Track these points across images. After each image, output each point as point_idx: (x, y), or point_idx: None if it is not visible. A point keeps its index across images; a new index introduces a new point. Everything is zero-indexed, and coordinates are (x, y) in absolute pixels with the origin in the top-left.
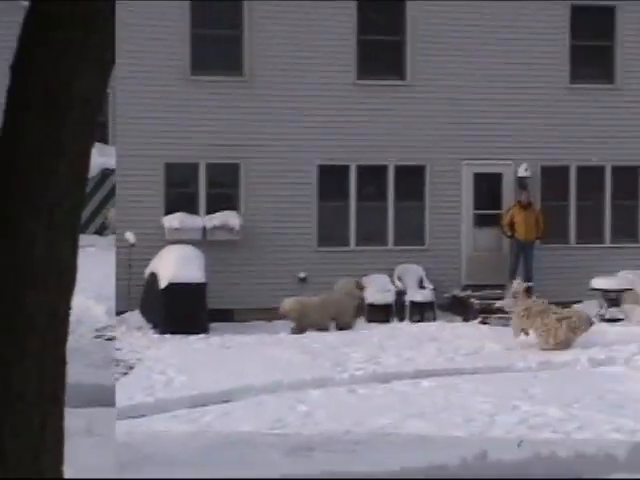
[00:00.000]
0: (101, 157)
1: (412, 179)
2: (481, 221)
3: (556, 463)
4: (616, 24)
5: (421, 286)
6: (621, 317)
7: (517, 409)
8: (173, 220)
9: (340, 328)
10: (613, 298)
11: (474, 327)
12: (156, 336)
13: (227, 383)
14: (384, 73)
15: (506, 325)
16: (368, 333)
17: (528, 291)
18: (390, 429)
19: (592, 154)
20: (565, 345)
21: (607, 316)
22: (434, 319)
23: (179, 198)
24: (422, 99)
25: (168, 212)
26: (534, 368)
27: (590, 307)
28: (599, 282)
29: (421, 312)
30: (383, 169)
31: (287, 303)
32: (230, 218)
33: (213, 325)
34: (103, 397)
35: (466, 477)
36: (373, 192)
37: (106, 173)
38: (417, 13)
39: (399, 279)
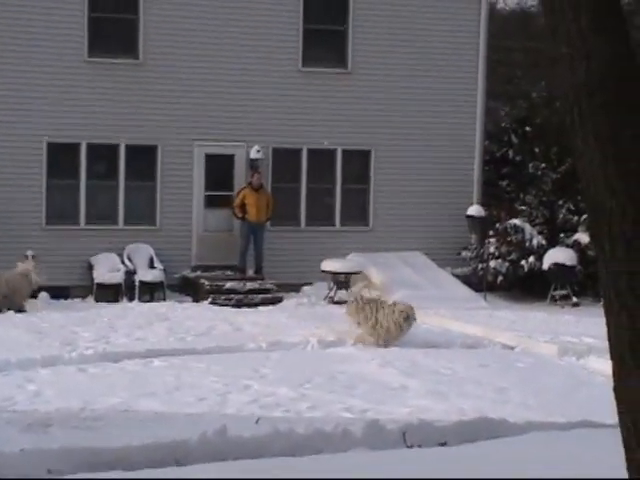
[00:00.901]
0: None
1: (144, 158)
2: (212, 202)
3: (295, 439)
4: (349, 8)
5: (151, 266)
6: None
7: (249, 388)
8: None
9: (15, 309)
10: (342, 280)
11: (204, 307)
12: None
13: None
14: (117, 52)
15: (237, 306)
16: (98, 312)
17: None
18: (122, 408)
19: (323, 137)
20: (392, 341)
21: (336, 298)
22: (164, 299)
23: None
24: (156, 79)
25: None
26: (265, 348)
27: (320, 289)
28: (329, 264)
29: (151, 292)
30: (114, 148)
31: None
32: None
33: None
34: None
35: (207, 452)
36: (104, 171)
37: None
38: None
39: (129, 259)
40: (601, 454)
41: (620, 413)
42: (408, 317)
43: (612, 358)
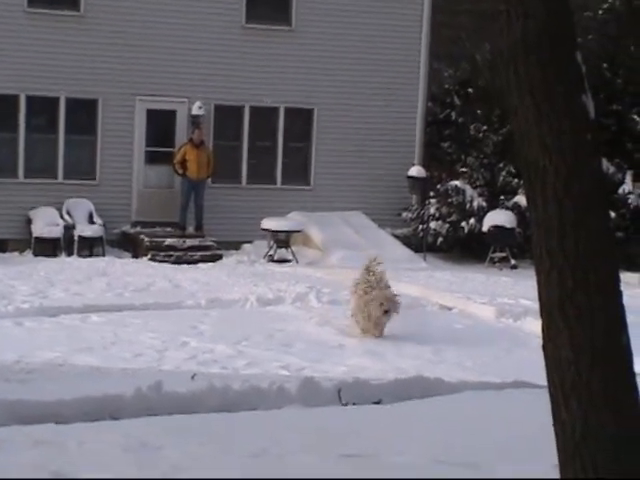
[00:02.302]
0: None
1: (84, 112)
2: (153, 158)
3: (230, 396)
4: None
5: (91, 221)
6: (289, 258)
7: (186, 345)
8: None
9: None
10: (282, 239)
11: (144, 263)
12: None
13: None
14: (57, 3)
15: (177, 263)
16: (35, 267)
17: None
18: (58, 362)
19: (266, 95)
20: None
21: (276, 257)
22: (103, 254)
23: None
24: (97, 32)
25: None
26: (203, 305)
27: (260, 247)
28: (269, 223)
29: (90, 247)
30: (54, 101)
31: None
32: None
33: None
34: None
35: (142, 407)
36: (44, 124)
37: None
38: None
39: (68, 213)
40: (532, 413)
41: (548, 371)
42: (388, 311)
43: (542, 316)
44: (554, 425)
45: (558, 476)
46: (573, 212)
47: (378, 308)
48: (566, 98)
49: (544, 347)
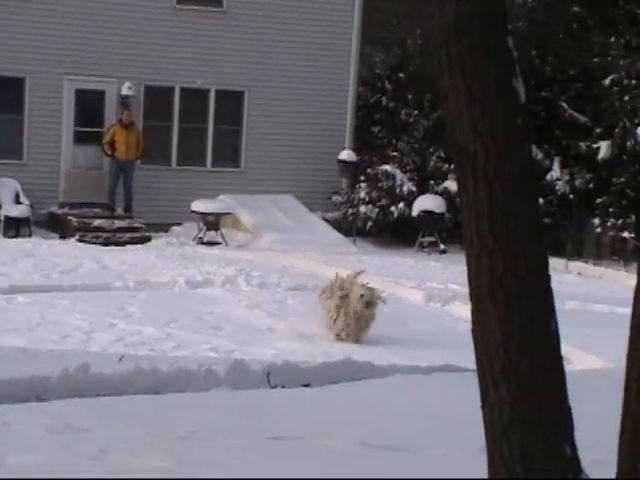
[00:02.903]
0: None
1: (11, 91)
2: (82, 138)
3: (158, 378)
4: None
5: (17, 201)
6: (219, 241)
7: (114, 327)
8: None
9: None
10: (212, 221)
11: (71, 245)
12: None
13: None
14: None
15: (105, 244)
16: None
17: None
18: None
19: (197, 76)
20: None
21: (206, 239)
22: (30, 235)
23: None
24: (26, 9)
25: None
26: (132, 287)
27: (189, 230)
28: (199, 205)
29: (17, 227)
30: None
31: None
32: None
33: None
34: None
35: (69, 388)
36: None
37: None
38: None
39: None
40: (460, 397)
41: (477, 355)
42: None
43: (471, 300)
44: (482, 409)
45: (485, 460)
46: (503, 196)
47: (359, 301)
48: (497, 82)
49: (473, 331)
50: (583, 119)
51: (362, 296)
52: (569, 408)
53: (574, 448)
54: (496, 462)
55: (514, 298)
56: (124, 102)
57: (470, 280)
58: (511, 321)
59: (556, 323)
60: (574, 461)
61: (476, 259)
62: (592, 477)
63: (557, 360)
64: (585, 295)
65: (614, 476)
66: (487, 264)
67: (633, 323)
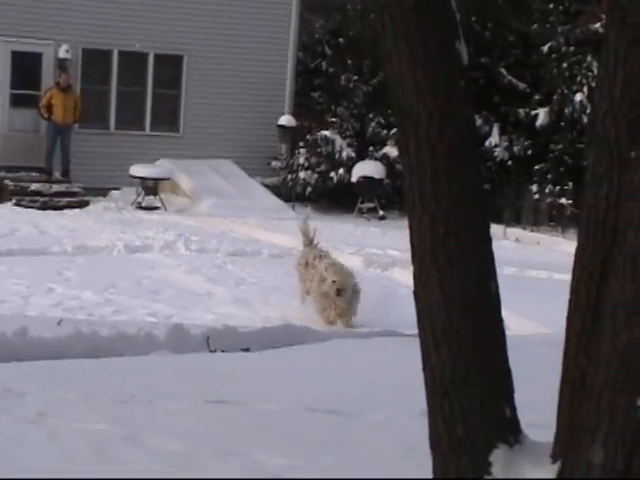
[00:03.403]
0: None
1: None
2: (18, 101)
3: (98, 342)
4: None
5: None
6: (158, 205)
7: (52, 292)
8: None
9: None
10: (151, 186)
11: (8, 209)
12: None
13: None
14: None
15: (43, 209)
16: None
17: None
18: None
19: (135, 40)
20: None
21: (144, 204)
22: None
23: None
24: None
25: None
26: (70, 252)
27: (128, 194)
28: (137, 170)
29: None
30: None
31: None
32: None
33: None
34: None
35: (6, 352)
36: None
37: None
38: None
39: None
40: (399, 361)
41: (419, 317)
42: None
43: (413, 262)
44: (424, 370)
45: (425, 422)
46: (446, 158)
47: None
48: (440, 44)
49: (415, 293)
50: (522, 86)
51: (334, 282)
52: (509, 370)
53: (514, 409)
54: (437, 423)
55: (455, 260)
56: (61, 65)
57: (412, 242)
58: (452, 283)
59: (497, 285)
60: (514, 422)
61: (418, 221)
62: (530, 439)
63: (498, 322)
64: (523, 261)
65: (551, 439)
66: (429, 226)
67: (572, 287)
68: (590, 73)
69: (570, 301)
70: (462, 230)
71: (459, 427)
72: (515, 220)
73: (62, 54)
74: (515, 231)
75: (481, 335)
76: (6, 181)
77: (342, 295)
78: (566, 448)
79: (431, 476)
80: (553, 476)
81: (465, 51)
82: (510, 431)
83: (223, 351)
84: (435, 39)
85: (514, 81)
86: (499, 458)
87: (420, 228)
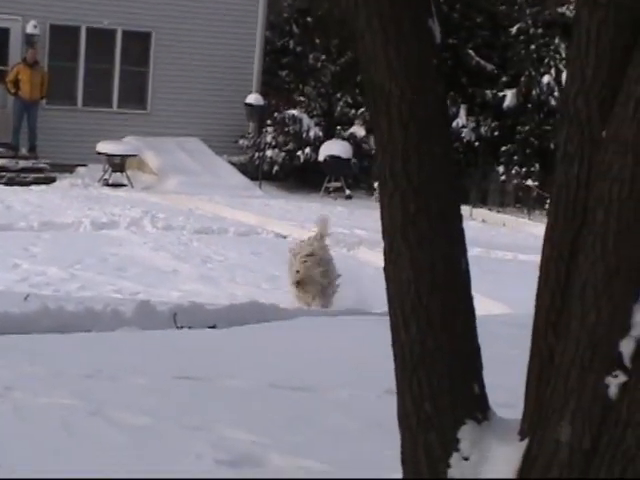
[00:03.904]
0: None
1: None
2: None
3: (64, 317)
4: None
5: None
6: (125, 182)
7: (18, 267)
8: None
9: None
10: (118, 163)
11: None
12: None
13: None
14: None
15: (9, 184)
16: None
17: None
18: None
19: (104, 16)
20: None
21: (111, 181)
22: None
23: None
24: None
25: None
26: (36, 228)
27: (94, 171)
28: (104, 146)
29: None
30: None
31: None
32: None
33: None
34: None
35: None
36: None
37: None
38: None
39: None
40: (365, 340)
41: (389, 294)
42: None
43: (384, 239)
44: (393, 347)
45: (390, 400)
46: (417, 136)
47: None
48: (413, 22)
49: (385, 269)
50: (489, 67)
51: (297, 272)
52: (478, 348)
53: (482, 387)
54: (405, 400)
55: (426, 238)
56: (29, 41)
57: (383, 219)
58: (423, 261)
59: (467, 263)
60: (482, 399)
61: (389, 198)
62: (498, 416)
63: (468, 300)
64: (488, 242)
65: (518, 417)
66: (399, 204)
67: (542, 264)
68: (558, 55)
69: (540, 278)
70: (433, 208)
71: (427, 404)
72: (481, 201)
73: (30, 30)
74: (481, 212)
75: (450, 312)
76: None
77: (302, 286)
78: (534, 425)
79: (397, 453)
80: (520, 453)
81: (438, 30)
82: (478, 408)
83: (190, 328)
84: (408, 17)
85: (482, 62)
86: (467, 435)
87: (391, 205)
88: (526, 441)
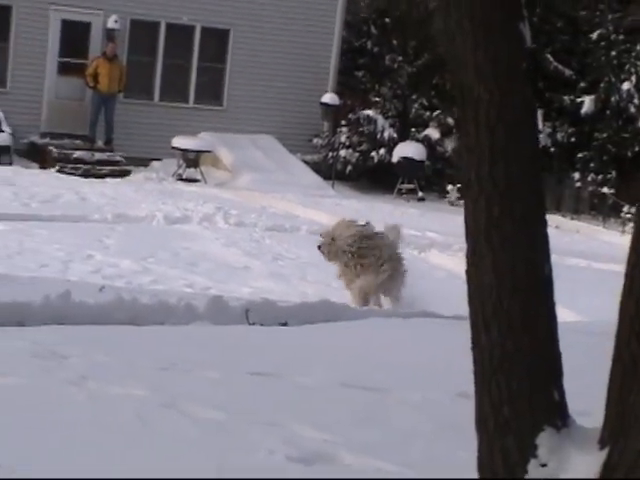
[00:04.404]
0: None
1: None
2: (66, 69)
3: (138, 309)
4: None
5: None
6: (198, 178)
7: (91, 258)
8: None
9: None
10: (192, 158)
11: (51, 175)
12: None
13: None
14: None
15: (85, 176)
16: None
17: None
18: None
19: (183, 13)
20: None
21: (185, 176)
22: (10, 163)
23: None
24: None
25: None
26: (110, 220)
27: (168, 166)
28: (179, 142)
29: None
30: None
31: None
32: None
33: None
34: None
35: (50, 315)
36: None
37: None
38: None
39: None
40: (437, 342)
41: (470, 296)
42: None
43: (467, 241)
44: (473, 350)
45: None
46: (504, 140)
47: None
48: (503, 25)
49: (467, 272)
50: (568, 72)
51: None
52: (559, 354)
53: (562, 393)
54: (484, 404)
55: (509, 241)
56: (109, 35)
57: (466, 222)
58: (505, 263)
59: (550, 268)
60: (562, 406)
61: (474, 201)
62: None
63: (549, 304)
64: (562, 249)
65: (597, 426)
66: (484, 206)
67: (627, 272)
68: (639, 62)
69: (624, 286)
70: (517, 212)
71: (506, 408)
72: (555, 207)
73: (110, 24)
74: (555, 218)
75: (531, 317)
76: (50, 147)
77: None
78: (615, 434)
79: (470, 455)
80: (600, 462)
81: (529, 33)
82: (558, 415)
83: (262, 324)
84: (499, 19)
85: (560, 67)
86: (545, 441)
87: (475, 208)
88: (606, 450)
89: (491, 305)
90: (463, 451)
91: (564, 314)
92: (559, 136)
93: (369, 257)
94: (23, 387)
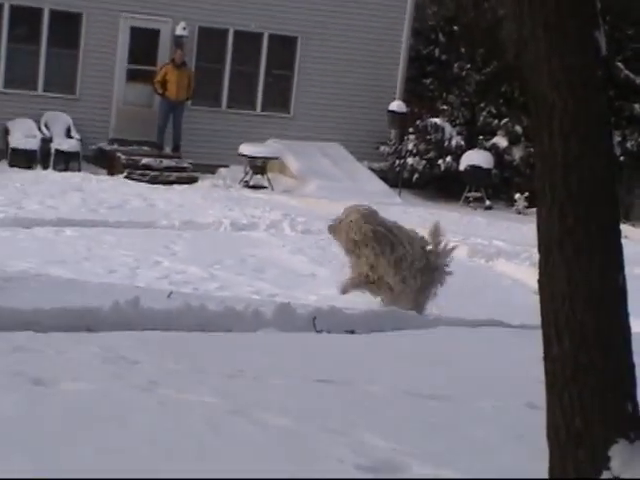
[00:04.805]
0: None
1: (67, 25)
2: (134, 76)
3: (206, 315)
4: None
5: (68, 135)
6: (265, 185)
7: (159, 265)
8: None
9: None
10: (259, 165)
11: (119, 181)
12: None
13: None
14: None
15: (152, 183)
16: (10, 177)
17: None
18: (32, 273)
19: (251, 20)
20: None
21: (252, 183)
22: (79, 170)
23: None
24: None
25: None
26: (177, 226)
27: (236, 172)
28: (247, 148)
29: (66, 161)
30: (38, 12)
31: None
32: None
33: None
34: None
35: (119, 321)
36: (26, 34)
37: None
38: None
39: (46, 126)
40: (505, 351)
41: (542, 306)
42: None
43: (539, 250)
44: (544, 360)
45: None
46: (578, 148)
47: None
48: (578, 32)
49: (540, 281)
50: (639, 81)
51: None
52: (633, 365)
53: (636, 405)
54: (555, 415)
55: (583, 251)
56: (178, 42)
57: (539, 230)
58: (578, 274)
59: (624, 278)
60: (635, 418)
61: (547, 210)
62: None
63: (623, 316)
64: (631, 258)
65: None
66: (557, 215)
67: None
68: None
69: None
70: (591, 221)
71: (578, 420)
72: (625, 216)
73: (179, 31)
74: (624, 227)
75: (605, 327)
76: (118, 154)
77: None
78: None
79: (540, 465)
80: None
81: (604, 41)
82: (631, 427)
83: (329, 332)
84: (573, 27)
85: (631, 76)
86: (618, 453)
87: (549, 217)
88: None
89: (564, 315)
90: (533, 462)
91: (633, 324)
92: (629, 145)
93: (375, 249)
94: (95, 392)
